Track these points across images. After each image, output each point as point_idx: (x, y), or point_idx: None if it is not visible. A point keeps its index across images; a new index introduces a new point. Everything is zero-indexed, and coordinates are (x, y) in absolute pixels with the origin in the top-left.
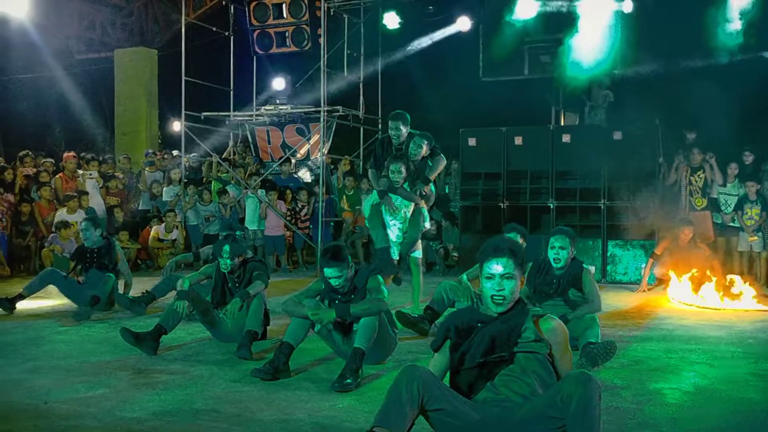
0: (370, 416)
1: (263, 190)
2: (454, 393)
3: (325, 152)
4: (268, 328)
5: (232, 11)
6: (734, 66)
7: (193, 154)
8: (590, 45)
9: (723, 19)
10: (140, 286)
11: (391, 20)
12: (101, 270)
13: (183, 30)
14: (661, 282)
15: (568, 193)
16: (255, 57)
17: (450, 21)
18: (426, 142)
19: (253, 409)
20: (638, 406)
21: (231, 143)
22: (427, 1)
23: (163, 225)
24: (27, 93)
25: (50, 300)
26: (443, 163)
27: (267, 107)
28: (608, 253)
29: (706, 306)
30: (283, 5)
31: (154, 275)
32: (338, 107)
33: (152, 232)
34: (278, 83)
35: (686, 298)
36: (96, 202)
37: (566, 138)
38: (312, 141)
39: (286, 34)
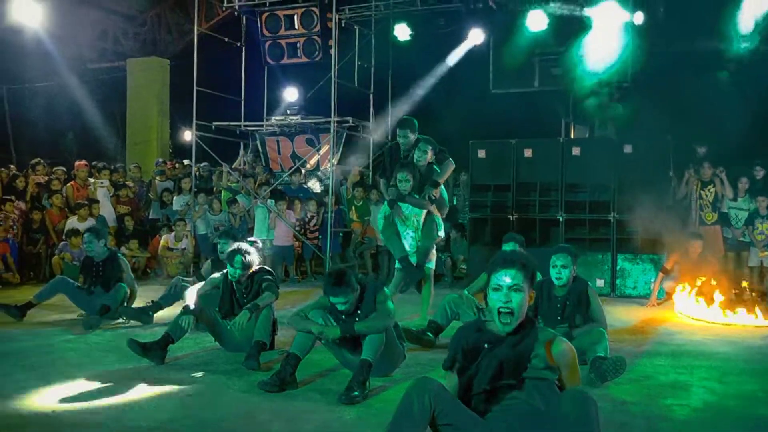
0: (377, 428)
1: (273, 200)
2: (465, 408)
3: (335, 162)
4: (275, 338)
5: (244, 22)
6: (746, 80)
7: (203, 164)
8: (601, 57)
9: (735, 32)
10: (149, 295)
11: (402, 32)
12: (105, 288)
13: (195, 40)
14: (670, 297)
15: (577, 206)
16: (266, 68)
17: (460, 33)
18: (431, 147)
19: (261, 420)
20: (648, 422)
21: (241, 153)
22: (438, 13)
23: (173, 234)
24: (40, 101)
25: (60, 308)
26: (452, 166)
27: (278, 117)
28: (617, 267)
29: (714, 321)
30: (295, 16)
31: (164, 284)
32: (348, 118)
33: (162, 241)
34: (289, 94)
35: (694, 313)
36: (107, 210)
37: (576, 151)
38: (322, 151)
39: (298, 45)
